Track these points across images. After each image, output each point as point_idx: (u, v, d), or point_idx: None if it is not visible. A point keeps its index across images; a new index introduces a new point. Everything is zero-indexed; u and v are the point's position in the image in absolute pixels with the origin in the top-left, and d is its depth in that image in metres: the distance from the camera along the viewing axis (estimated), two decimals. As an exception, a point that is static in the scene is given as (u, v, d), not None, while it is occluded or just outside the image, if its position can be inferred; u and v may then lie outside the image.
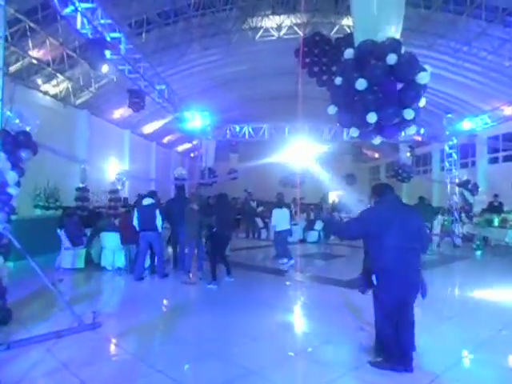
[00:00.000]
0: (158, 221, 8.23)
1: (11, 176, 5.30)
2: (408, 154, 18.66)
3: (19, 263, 6.80)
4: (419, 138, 17.57)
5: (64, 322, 4.88)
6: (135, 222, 8.27)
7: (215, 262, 7.74)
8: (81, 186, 12.87)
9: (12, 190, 5.33)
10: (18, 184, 5.44)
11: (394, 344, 3.91)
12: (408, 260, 3.92)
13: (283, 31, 15.55)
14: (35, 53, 12.37)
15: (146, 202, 8.47)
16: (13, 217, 5.94)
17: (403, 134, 14.24)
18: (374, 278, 3.98)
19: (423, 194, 13.64)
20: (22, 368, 3.78)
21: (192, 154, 29.42)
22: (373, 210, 4.37)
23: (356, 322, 5.35)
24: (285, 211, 10.37)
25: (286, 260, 10.00)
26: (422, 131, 17.01)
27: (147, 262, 8.59)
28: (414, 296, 4.02)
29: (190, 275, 8.00)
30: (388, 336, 3.94)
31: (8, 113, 5.48)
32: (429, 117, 17.47)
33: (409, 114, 4.62)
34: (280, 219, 10.22)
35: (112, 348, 4.60)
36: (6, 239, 5.04)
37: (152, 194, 8.97)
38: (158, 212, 8.27)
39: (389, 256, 3.89)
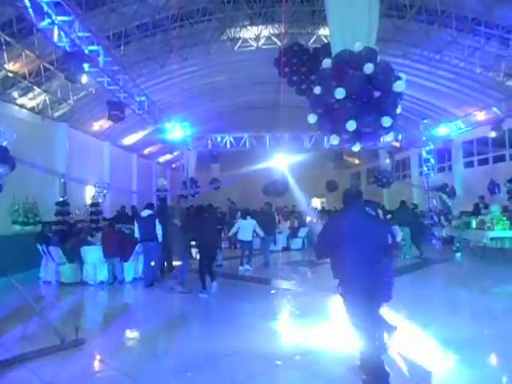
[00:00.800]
0: (158, 230, 8.66)
1: (-11, 192, 5.19)
2: (387, 160, 19.06)
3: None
4: (397, 144, 18.00)
5: (46, 339, 4.77)
6: (136, 234, 8.75)
7: (203, 273, 7.80)
8: (61, 199, 12.63)
9: (-10, 206, 5.21)
10: (-5, 200, 5.33)
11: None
12: (368, 271, 3.81)
13: (261, 41, 15.73)
14: (11, 66, 12.16)
15: (145, 213, 8.99)
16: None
17: (382, 140, 14.62)
18: (339, 288, 3.92)
19: (403, 198, 13.89)
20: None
21: (173, 165, 29.26)
22: (332, 221, 4.48)
23: (342, 328, 5.39)
24: (249, 222, 10.87)
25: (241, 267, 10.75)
26: (400, 137, 17.43)
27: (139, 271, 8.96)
28: (378, 305, 4.07)
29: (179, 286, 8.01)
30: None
31: (-16, 128, 5.38)
32: (406, 123, 17.93)
33: (387, 121, 4.75)
34: (242, 230, 10.82)
35: (96, 364, 4.52)
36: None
37: (150, 206, 9.34)
38: (157, 222, 8.71)
39: (348, 267, 3.82)
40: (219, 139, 18.08)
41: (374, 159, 24.42)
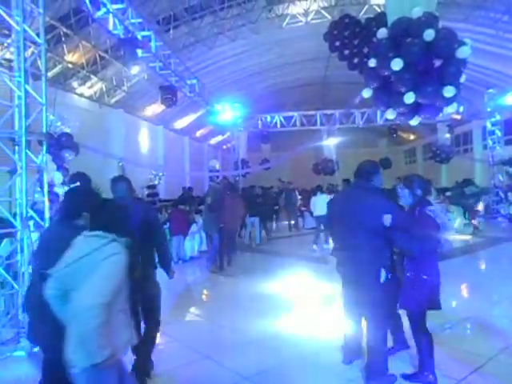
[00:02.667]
0: None
1: (57, 176, 5.56)
2: (446, 134, 17.97)
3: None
4: (458, 117, 16.88)
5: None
6: None
7: (220, 252, 8.18)
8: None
9: (58, 190, 5.58)
10: (63, 183, 5.70)
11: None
12: (349, 258, 3.37)
13: (310, 16, 15.25)
14: (70, 57, 12.80)
15: None
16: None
17: (442, 112, 13.74)
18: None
19: (464, 175, 13.10)
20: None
21: (224, 147, 29.61)
22: (331, 199, 4.38)
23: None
24: (321, 197, 10.46)
25: (315, 246, 10.41)
26: (462, 109, 16.30)
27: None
28: (368, 296, 3.32)
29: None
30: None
31: (51, 116, 5.71)
32: (468, 93, 16.65)
33: (449, 91, 4.44)
34: (317, 206, 10.45)
35: (160, 336, 4.75)
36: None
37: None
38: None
39: (335, 254, 3.62)
40: (269, 119, 17.98)
41: (431, 134, 23.12)
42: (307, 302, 5.84)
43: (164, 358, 4.18)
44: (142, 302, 3.49)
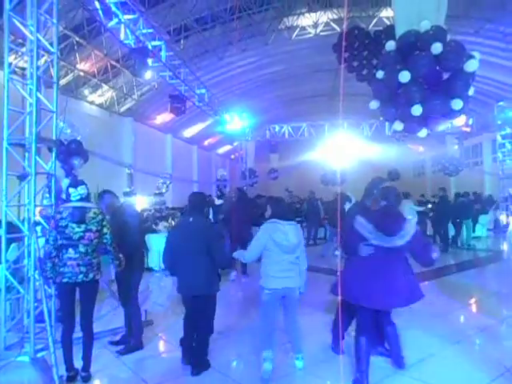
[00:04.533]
0: None
1: (65, 183, 5.60)
2: (455, 147, 17.85)
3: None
4: (468, 129, 16.78)
5: (118, 320, 5.09)
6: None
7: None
8: (128, 190, 13.38)
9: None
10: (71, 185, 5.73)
11: None
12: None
13: (320, 28, 15.38)
14: (82, 65, 13.03)
15: (219, 202, 9.96)
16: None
17: (450, 125, 13.63)
18: None
19: (473, 188, 12.97)
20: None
21: (232, 156, 29.70)
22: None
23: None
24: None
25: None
26: (471, 121, 16.22)
27: None
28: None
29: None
30: None
31: (61, 123, 5.79)
32: (478, 106, 16.62)
33: (457, 104, 4.42)
34: None
35: (164, 344, 4.75)
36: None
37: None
38: None
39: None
40: (277, 129, 18.05)
41: (440, 146, 23.00)
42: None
43: (167, 365, 4.16)
44: None
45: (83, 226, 3.74)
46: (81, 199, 3.82)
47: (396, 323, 3.87)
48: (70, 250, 3.70)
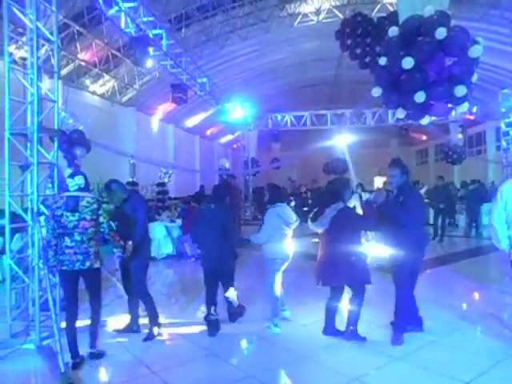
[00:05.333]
0: None
1: (68, 173, 5.61)
2: (459, 135, 17.75)
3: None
4: (471, 117, 16.69)
5: (121, 309, 5.13)
6: None
7: None
8: (130, 180, 13.40)
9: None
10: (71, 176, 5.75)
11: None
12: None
13: (322, 15, 15.19)
14: (83, 55, 12.95)
15: None
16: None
17: (454, 113, 13.52)
18: None
19: (477, 176, 12.91)
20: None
21: (235, 146, 29.67)
22: None
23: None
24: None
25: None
26: (475, 109, 16.13)
27: None
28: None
29: None
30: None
31: (63, 113, 5.78)
32: (482, 94, 16.46)
33: (461, 90, 4.38)
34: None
35: (164, 331, 4.78)
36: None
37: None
38: None
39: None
40: (279, 118, 17.98)
41: (443, 134, 22.88)
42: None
43: (170, 355, 4.21)
44: None
45: (77, 215, 3.79)
46: (78, 189, 3.87)
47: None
48: (67, 238, 3.78)
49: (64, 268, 3.79)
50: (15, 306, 4.73)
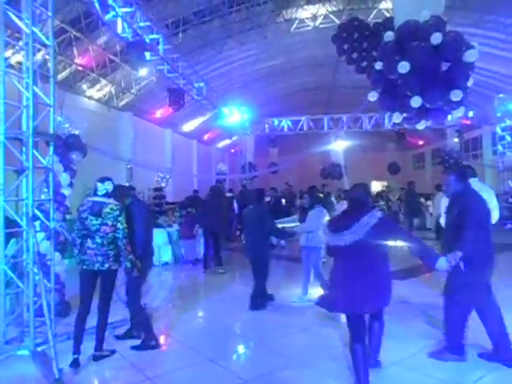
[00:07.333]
0: None
1: (64, 177, 5.60)
2: (455, 139, 17.83)
3: (74, 260, 7.16)
4: (468, 122, 16.77)
5: (117, 314, 5.09)
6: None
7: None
8: (127, 184, 13.36)
9: (65, 191, 5.63)
10: (70, 185, 5.75)
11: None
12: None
13: (318, 21, 15.28)
14: (80, 60, 12.94)
15: None
16: (67, 216, 6.29)
17: (450, 117, 13.55)
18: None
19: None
20: (83, 353, 4.03)
21: (232, 150, 29.67)
22: None
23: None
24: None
25: None
26: (471, 114, 16.22)
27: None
28: None
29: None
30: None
31: (59, 118, 5.76)
32: (478, 98, 16.56)
33: (456, 94, 4.40)
34: None
35: (162, 337, 4.75)
36: (62, 237, 5.32)
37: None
38: None
39: None
40: (276, 123, 18.02)
41: (440, 139, 22.99)
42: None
43: (166, 360, 4.19)
44: None
45: (100, 220, 4.02)
46: (106, 193, 4.12)
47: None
48: (89, 240, 4.02)
49: (84, 267, 4.05)
50: (10, 311, 4.69)
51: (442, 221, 4.33)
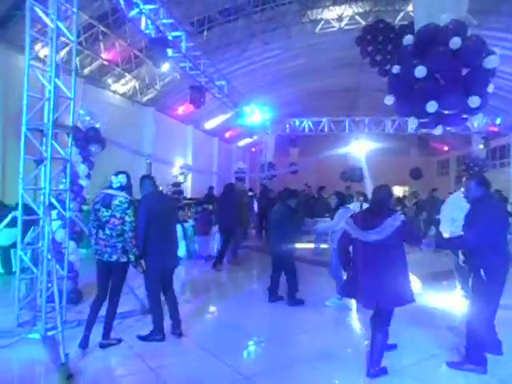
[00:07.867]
0: None
1: (82, 169, 5.77)
2: (481, 146, 17.34)
3: (90, 250, 7.35)
4: (495, 129, 16.30)
5: (127, 304, 5.21)
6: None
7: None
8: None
9: (83, 182, 5.79)
10: (88, 176, 5.90)
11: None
12: None
13: (344, 22, 15.13)
14: (106, 55, 13.24)
15: None
16: (84, 207, 6.47)
17: (476, 124, 13.22)
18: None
19: (499, 188, 12.52)
20: (90, 342, 4.17)
21: (253, 149, 29.73)
22: None
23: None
24: None
25: None
26: (499, 121, 15.75)
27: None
28: None
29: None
30: None
31: (80, 111, 5.94)
32: (506, 105, 16.07)
33: (474, 101, 4.30)
34: None
35: (168, 330, 4.84)
36: (78, 227, 5.48)
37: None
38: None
39: None
40: (297, 123, 17.97)
41: (466, 146, 22.41)
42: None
43: (170, 352, 4.26)
44: None
45: (110, 211, 4.13)
46: (120, 186, 4.22)
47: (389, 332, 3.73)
48: (100, 231, 4.15)
49: (98, 257, 4.20)
50: (24, 296, 4.87)
51: (442, 227, 4.29)
